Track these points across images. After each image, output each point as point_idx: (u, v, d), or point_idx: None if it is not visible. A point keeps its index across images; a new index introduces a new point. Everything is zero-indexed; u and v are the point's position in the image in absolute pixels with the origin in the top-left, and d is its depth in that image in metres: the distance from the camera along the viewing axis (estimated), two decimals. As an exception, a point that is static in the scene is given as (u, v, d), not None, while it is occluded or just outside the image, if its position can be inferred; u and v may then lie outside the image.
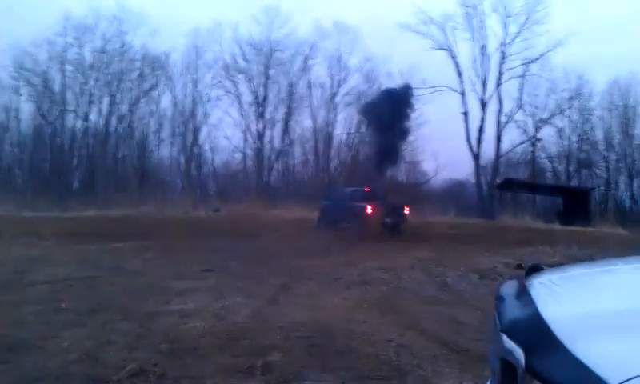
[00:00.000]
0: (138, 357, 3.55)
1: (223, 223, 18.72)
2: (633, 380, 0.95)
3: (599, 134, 32.59)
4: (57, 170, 30.25)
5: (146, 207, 23.08)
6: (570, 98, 31.91)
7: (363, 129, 30.46)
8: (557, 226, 19.91)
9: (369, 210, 15.20)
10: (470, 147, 30.16)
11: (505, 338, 1.29)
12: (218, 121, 32.88)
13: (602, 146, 32.47)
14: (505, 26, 30.33)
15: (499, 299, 1.59)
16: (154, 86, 32.71)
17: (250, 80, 32.92)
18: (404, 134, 23.27)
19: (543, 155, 33.53)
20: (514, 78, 30.74)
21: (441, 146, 42.60)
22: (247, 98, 32.94)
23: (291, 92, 32.93)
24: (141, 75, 32.40)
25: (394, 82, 26.51)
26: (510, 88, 30.79)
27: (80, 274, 7.05)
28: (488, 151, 31.02)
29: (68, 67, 30.82)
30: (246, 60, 32.93)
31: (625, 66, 30.94)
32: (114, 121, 31.98)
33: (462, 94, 30.46)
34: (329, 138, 32.83)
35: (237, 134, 32.94)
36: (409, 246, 11.69)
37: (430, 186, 32.55)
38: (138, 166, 31.93)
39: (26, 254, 9.02)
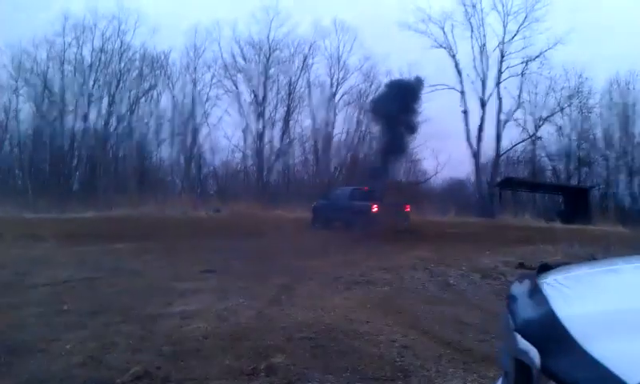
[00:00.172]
0: (142, 359, 3.53)
1: (224, 223, 18.73)
2: None
3: (599, 132, 32.72)
4: (56, 170, 30.25)
5: (146, 208, 23.06)
6: (570, 96, 32.00)
7: (364, 127, 30.47)
8: (557, 225, 19.90)
9: (374, 208, 15.14)
10: (470, 146, 30.26)
11: (519, 337, 1.27)
12: (218, 120, 32.97)
13: (601, 144, 32.53)
14: (504, 24, 30.46)
15: (511, 298, 1.57)
16: (153, 86, 32.78)
17: (249, 79, 33.01)
18: (412, 127, 23.10)
19: (543, 154, 33.64)
20: (513, 76, 30.90)
21: (441, 145, 42.70)
22: (247, 97, 33.03)
23: (291, 91, 32.99)
24: (140, 75, 32.45)
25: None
26: (509, 86, 30.91)
27: (81, 276, 7.01)
28: (488, 150, 31.17)
29: (67, 67, 30.90)
30: (245, 59, 33.05)
31: (624, 64, 30.87)
32: (113, 121, 32.04)
33: (462, 92, 30.58)
34: (328, 137, 32.86)
35: (236, 134, 33.03)
36: (409, 246, 11.66)
37: (429, 184, 32.63)
38: (138, 167, 31.91)
39: (26, 256, 8.99)
